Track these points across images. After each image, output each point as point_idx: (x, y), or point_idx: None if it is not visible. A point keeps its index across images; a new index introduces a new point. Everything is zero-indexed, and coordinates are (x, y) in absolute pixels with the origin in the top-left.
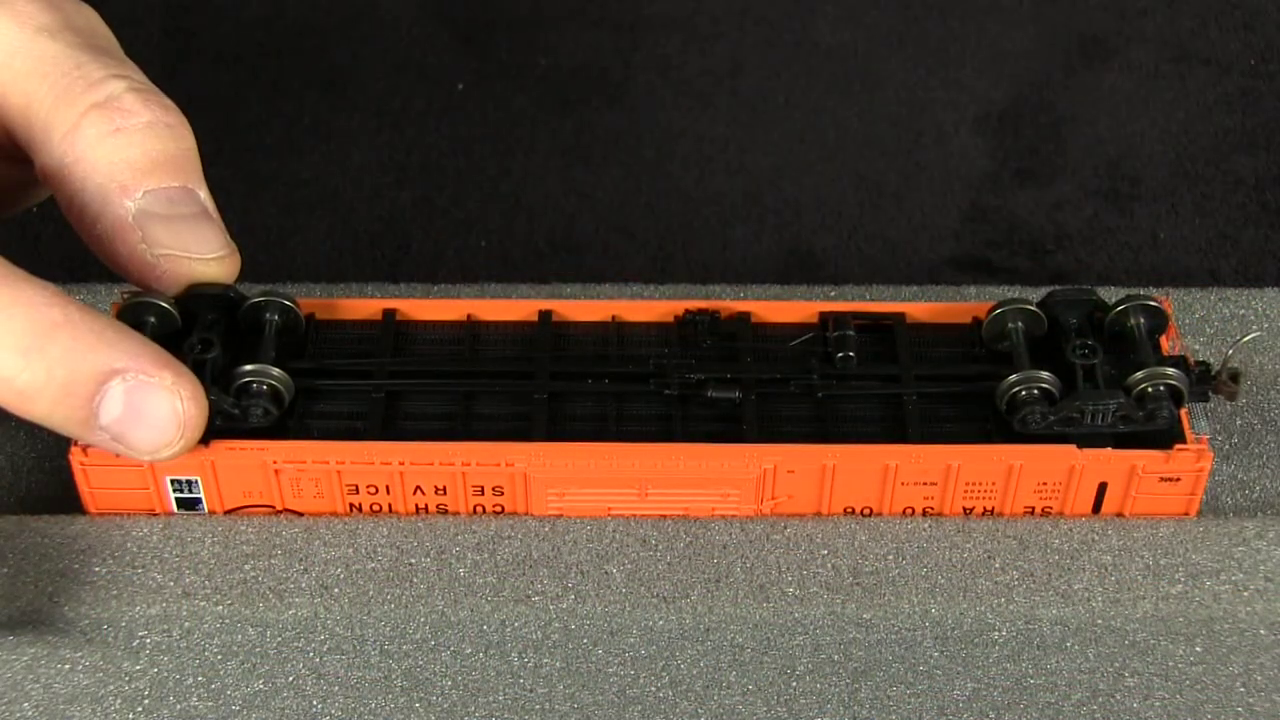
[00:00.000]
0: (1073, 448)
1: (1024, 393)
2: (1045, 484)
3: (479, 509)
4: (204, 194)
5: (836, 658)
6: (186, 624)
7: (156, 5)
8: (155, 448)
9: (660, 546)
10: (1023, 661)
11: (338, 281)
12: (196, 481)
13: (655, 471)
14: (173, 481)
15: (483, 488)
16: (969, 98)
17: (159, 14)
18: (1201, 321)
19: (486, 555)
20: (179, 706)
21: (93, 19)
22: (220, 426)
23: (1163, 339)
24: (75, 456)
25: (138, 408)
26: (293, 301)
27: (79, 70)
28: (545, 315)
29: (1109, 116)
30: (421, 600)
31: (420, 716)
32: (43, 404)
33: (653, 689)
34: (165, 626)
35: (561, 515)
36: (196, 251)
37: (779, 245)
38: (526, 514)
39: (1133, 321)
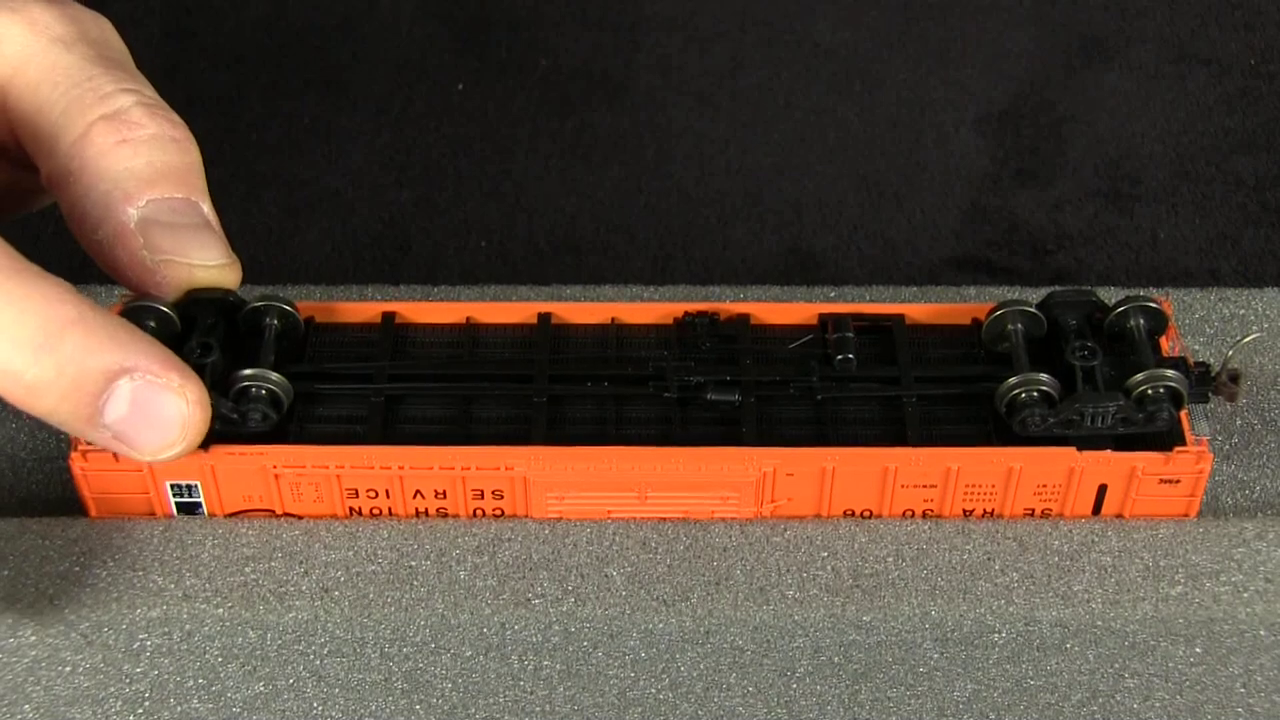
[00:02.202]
0: (1072, 450)
1: (1024, 395)
2: (1045, 486)
3: (479, 513)
4: (207, 208)
5: (837, 660)
6: (187, 626)
7: (156, 5)
8: (157, 448)
9: (660, 549)
10: (1023, 663)
11: (338, 282)
12: (196, 486)
13: (655, 475)
14: (173, 486)
15: (482, 491)
16: (969, 98)
17: (159, 14)
18: (1201, 322)
19: (487, 558)
20: (179, 709)
21: (108, 32)
22: (219, 431)
23: (1163, 340)
24: (76, 462)
25: (143, 407)
26: (292, 305)
27: (90, 82)
28: (544, 318)
29: (1109, 116)
30: (422, 603)
31: (420, 719)
32: (49, 400)
33: (653, 691)
34: (166, 629)
35: (561, 518)
36: (197, 258)
37: (779, 245)
38: (526, 517)
39: (1133, 323)
